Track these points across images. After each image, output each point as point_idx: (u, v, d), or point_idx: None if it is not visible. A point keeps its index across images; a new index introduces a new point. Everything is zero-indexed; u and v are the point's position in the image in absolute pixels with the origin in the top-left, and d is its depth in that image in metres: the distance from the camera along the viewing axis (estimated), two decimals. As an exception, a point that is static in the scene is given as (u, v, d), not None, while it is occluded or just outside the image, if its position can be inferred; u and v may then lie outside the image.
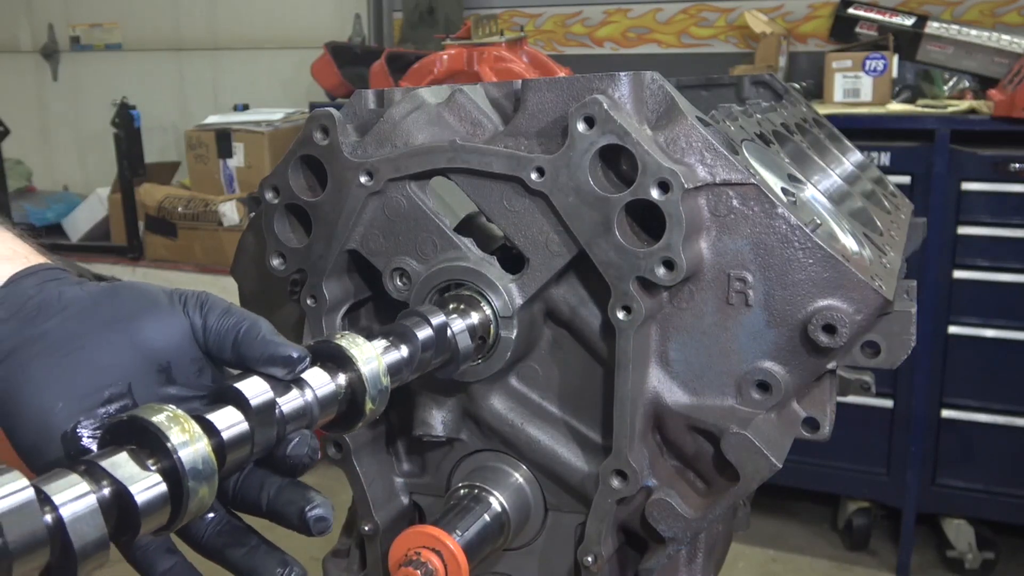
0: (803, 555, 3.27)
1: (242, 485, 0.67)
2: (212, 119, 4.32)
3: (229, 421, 0.61)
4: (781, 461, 0.79)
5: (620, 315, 0.80)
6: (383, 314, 0.98)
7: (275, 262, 0.93)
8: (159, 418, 0.58)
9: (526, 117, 0.84)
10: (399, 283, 0.89)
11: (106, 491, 0.54)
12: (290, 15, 5.06)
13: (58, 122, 5.78)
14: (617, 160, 0.81)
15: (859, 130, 2.90)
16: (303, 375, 0.67)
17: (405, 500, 1.00)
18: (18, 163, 5.32)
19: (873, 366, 0.86)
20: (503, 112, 0.90)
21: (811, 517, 3.49)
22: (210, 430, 0.60)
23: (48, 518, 0.52)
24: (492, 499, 0.91)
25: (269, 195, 0.93)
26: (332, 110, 0.90)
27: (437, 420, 0.94)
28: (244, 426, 0.62)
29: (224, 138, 4.11)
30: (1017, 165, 2.82)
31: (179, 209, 4.15)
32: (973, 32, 3.37)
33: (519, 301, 0.85)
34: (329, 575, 1.05)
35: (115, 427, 0.59)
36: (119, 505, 0.55)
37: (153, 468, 0.57)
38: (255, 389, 0.63)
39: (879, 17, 3.59)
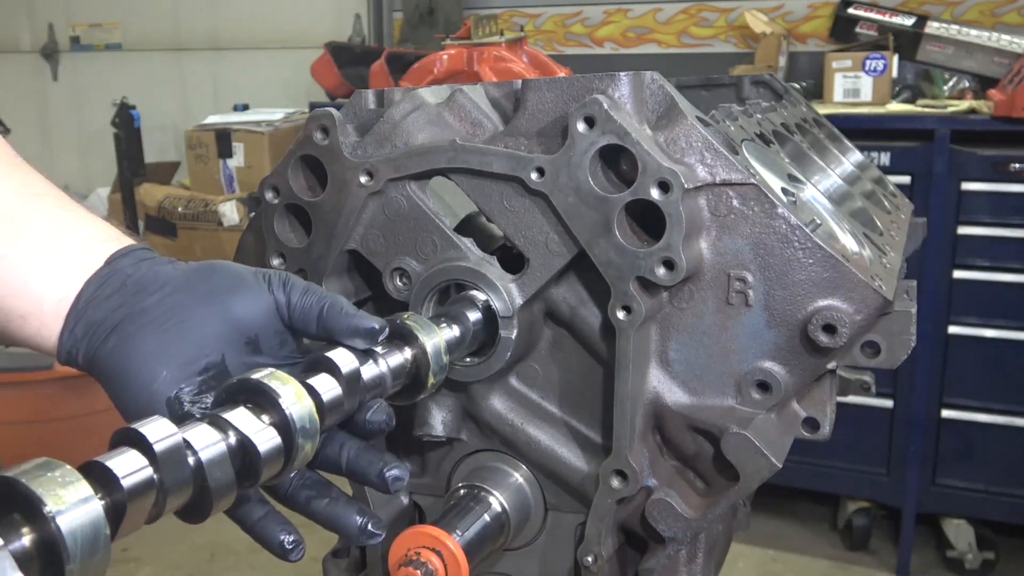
0: (803, 555, 3.27)
1: (323, 446, 0.72)
2: (212, 119, 4.31)
3: (327, 386, 0.68)
4: (781, 461, 0.79)
5: (620, 315, 0.80)
6: (383, 314, 0.98)
7: (275, 262, 0.93)
8: (272, 381, 0.64)
9: (526, 117, 0.84)
10: (399, 283, 0.89)
11: (232, 440, 0.61)
12: (290, 15, 5.06)
13: (58, 122, 5.79)
14: (617, 160, 0.81)
15: (859, 130, 2.89)
16: (376, 349, 0.73)
17: (405, 500, 1.00)
18: (18, 163, 5.31)
19: (873, 366, 0.85)
20: (503, 112, 0.90)
21: (811, 517, 3.49)
22: (312, 393, 0.66)
23: (191, 461, 0.58)
24: (492, 499, 0.91)
25: (269, 195, 0.93)
26: (332, 110, 0.90)
27: (437, 420, 0.94)
28: (339, 391, 0.68)
29: (224, 138, 4.11)
30: (1017, 165, 2.82)
31: (179, 209, 4.15)
32: (973, 32, 3.37)
33: (519, 301, 0.85)
34: (329, 575, 1.05)
35: (230, 387, 0.65)
36: (243, 453, 0.61)
37: (267, 423, 0.63)
38: (345, 359, 0.70)
39: (879, 17, 3.59)
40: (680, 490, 0.85)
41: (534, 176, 0.82)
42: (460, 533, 0.84)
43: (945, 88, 3.36)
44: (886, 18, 3.56)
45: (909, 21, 3.50)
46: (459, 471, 0.97)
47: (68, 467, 0.51)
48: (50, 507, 0.49)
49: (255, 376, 0.64)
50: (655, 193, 0.77)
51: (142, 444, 0.56)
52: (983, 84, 3.30)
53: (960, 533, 3.08)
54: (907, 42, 3.45)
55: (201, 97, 5.30)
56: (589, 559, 0.87)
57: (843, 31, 3.70)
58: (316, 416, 0.65)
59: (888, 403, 3.08)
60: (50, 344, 0.72)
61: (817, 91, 3.43)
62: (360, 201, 0.89)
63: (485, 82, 0.95)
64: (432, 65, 3.26)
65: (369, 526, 0.72)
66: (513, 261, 0.87)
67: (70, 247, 0.73)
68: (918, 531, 3.14)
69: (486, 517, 0.89)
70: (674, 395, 0.84)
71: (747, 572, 3.18)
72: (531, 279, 0.85)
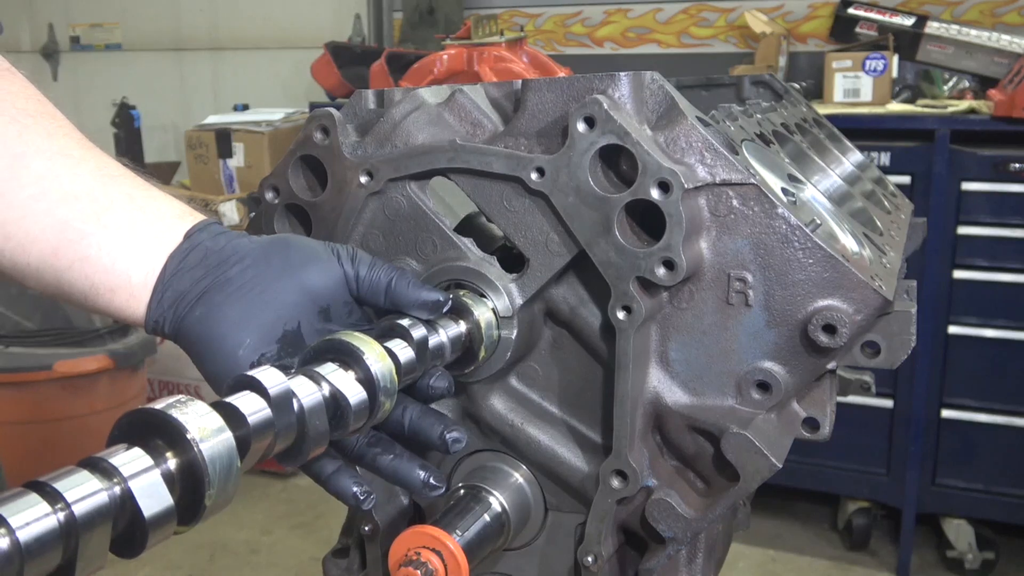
0: (803, 555, 3.27)
1: None
2: (212, 119, 4.31)
3: (403, 350, 0.73)
4: (781, 461, 0.79)
5: (620, 315, 0.80)
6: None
7: (275, 262, 0.93)
8: (358, 342, 0.69)
9: (526, 117, 0.84)
10: (399, 283, 0.89)
11: (326, 392, 0.67)
12: (290, 15, 5.06)
13: (58, 122, 5.77)
14: (617, 160, 0.81)
15: (859, 130, 2.89)
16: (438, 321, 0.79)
17: (405, 500, 1.00)
18: (18, 163, 5.31)
19: (873, 366, 0.85)
20: (503, 112, 0.90)
21: (811, 517, 3.49)
22: (391, 355, 0.71)
23: (295, 407, 0.63)
24: (492, 499, 0.91)
25: (269, 195, 0.93)
26: (332, 110, 0.90)
27: (437, 420, 0.93)
28: (412, 355, 0.74)
29: (224, 138, 4.11)
30: (1017, 165, 2.82)
31: (179, 209, 4.14)
32: (973, 32, 3.37)
33: (519, 301, 0.85)
34: (329, 575, 1.05)
35: (318, 347, 0.71)
36: (335, 405, 0.67)
37: (354, 379, 0.68)
38: (415, 327, 0.76)
39: (879, 17, 3.59)
40: (680, 490, 0.85)
41: (534, 176, 0.82)
42: (460, 533, 0.84)
43: (945, 88, 3.36)
44: (886, 18, 3.57)
45: (909, 21, 3.50)
46: (459, 471, 0.97)
47: (201, 402, 0.56)
48: (193, 435, 0.53)
49: (343, 337, 0.69)
50: (655, 193, 0.77)
51: (259, 389, 0.61)
52: (983, 84, 3.30)
53: (960, 533, 3.08)
54: (907, 42, 3.45)
55: (201, 97, 5.30)
56: (589, 559, 0.87)
57: (843, 31, 3.70)
58: (395, 376, 0.70)
59: (888, 403, 3.08)
60: (138, 315, 0.77)
61: (817, 91, 3.43)
62: (360, 201, 0.89)
63: (485, 82, 0.95)
64: (432, 65, 3.26)
65: (431, 480, 0.77)
66: (513, 261, 0.87)
67: (151, 224, 0.78)
68: (918, 531, 3.14)
69: (486, 517, 0.89)
70: (674, 395, 0.84)
71: (747, 572, 3.18)
72: (531, 279, 0.85)
